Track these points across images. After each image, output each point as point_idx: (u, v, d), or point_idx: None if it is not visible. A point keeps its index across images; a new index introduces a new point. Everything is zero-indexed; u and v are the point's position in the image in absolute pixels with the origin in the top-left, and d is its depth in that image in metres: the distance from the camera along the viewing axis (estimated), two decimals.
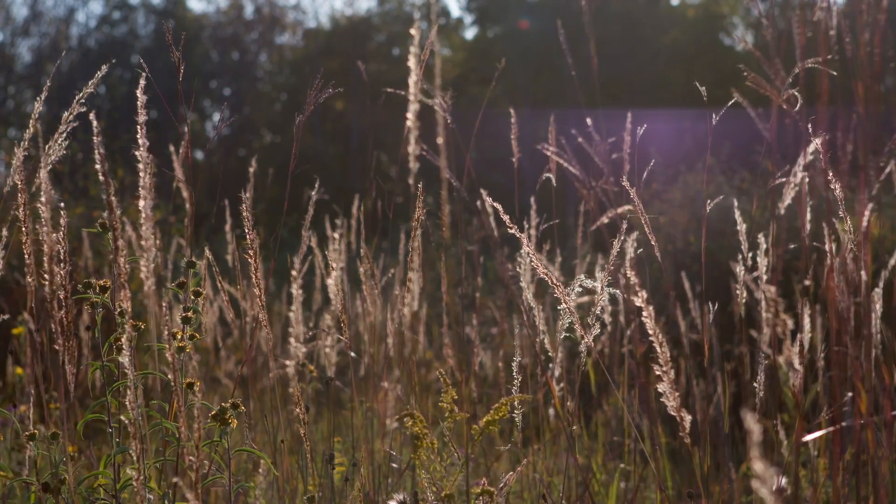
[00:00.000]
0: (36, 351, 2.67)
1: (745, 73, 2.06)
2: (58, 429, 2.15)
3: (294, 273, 2.71)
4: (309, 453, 2.03)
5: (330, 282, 2.37)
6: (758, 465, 0.85)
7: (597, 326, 1.82)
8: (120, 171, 6.86)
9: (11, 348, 3.67)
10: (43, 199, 1.66)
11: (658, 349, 1.52)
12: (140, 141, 1.42)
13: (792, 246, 3.12)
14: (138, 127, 1.46)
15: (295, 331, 2.66)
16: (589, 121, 2.99)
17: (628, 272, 1.61)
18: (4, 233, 1.81)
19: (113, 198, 1.42)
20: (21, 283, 4.51)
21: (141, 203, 1.35)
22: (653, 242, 1.87)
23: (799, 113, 1.93)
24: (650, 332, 1.52)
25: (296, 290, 2.80)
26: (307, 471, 2.26)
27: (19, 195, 1.68)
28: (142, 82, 1.53)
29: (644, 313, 1.51)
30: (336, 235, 2.72)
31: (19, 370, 3.58)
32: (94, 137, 1.44)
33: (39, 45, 30.04)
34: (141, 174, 1.44)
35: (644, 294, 1.49)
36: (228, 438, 1.66)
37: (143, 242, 1.30)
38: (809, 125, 1.95)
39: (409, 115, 1.23)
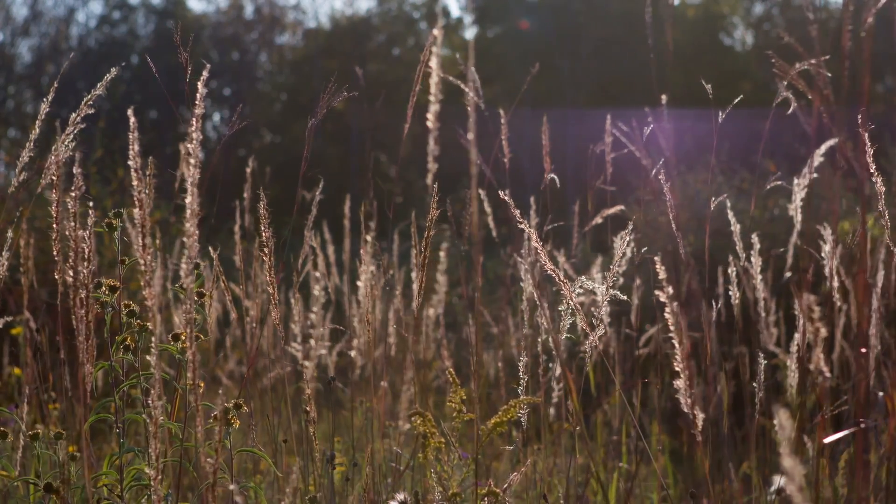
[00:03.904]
0: (37, 351, 2.67)
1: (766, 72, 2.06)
2: (57, 428, 2.15)
3: (319, 275, 2.71)
4: (319, 453, 2.03)
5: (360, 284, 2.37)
6: (787, 462, 0.85)
7: (602, 326, 1.83)
8: (120, 170, 6.86)
9: (13, 349, 3.67)
10: (73, 194, 1.66)
11: (677, 346, 1.52)
12: (194, 134, 1.42)
13: (781, 250, 3.13)
14: (193, 120, 1.46)
15: (317, 332, 2.66)
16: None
17: (658, 267, 1.61)
18: (9, 234, 1.81)
19: (144, 195, 1.42)
20: (21, 283, 4.51)
21: (188, 199, 1.36)
22: (679, 240, 1.87)
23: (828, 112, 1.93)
24: (671, 328, 1.52)
25: (318, 291, 2.80)
26: (308, 471, 2.26)
27: (54, 192, 1.68)
28: (204, 75, 1.53)
29: (667, 309, 1.50)
30: (368, 238, 2.73)
31: (17, 371, 3.58)
32: (130, 134, 1.44)
33: (39, 45, 30.03)
34: (186, 169, 1.44)
35: (669, 289, 1.49)
36: (231, 439, 1.66)
37: (185, 239, 1.30)
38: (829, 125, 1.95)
39: (430, 116, 1.24)
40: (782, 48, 2.03)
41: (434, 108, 1.27)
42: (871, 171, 1.79)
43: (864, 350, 1.87)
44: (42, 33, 30.13)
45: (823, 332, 1.12)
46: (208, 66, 1.60)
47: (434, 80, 1.27)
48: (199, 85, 1.52)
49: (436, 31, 1.28)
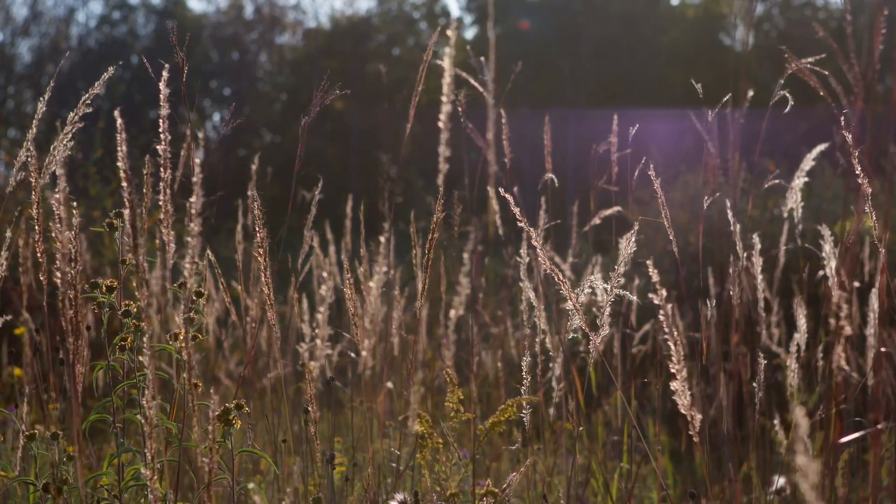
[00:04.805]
0: (36, 351, 2.67)
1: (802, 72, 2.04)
2: (57, 429, 2.15)
3: (325, 274, 2.70)
4: (318, 453, 2.03)
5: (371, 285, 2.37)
6: (801, 460, 0.84)
7: (605, 327, 1.83)
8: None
9: (12, 349, 3.67)
10: (59, 196, 1.66)
11: (673, 348, 1.52)
12: (163, 135, 1.42)
13: (784, 247, 3.13)
14: (160, 121, 1.46)
15: (321, 332, 2.66)
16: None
17: (650, 271, 1.61)
18: (8, 234, 1.81)
19: (133, 196, 1.42)
20: (21, 283, 4.51)
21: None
22: (671, 237, 1.88)
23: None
24: (667, 330, 1.52)
25: (325, 291, 2.80)
26: (308, 471, 2.26)
27: (33, 193, 1.67)
28: (165, 75, 1.53)
29: (661, 312, 1.51)
30: (382, 239, 2.74)
31: (18, 371, 3.57)
32: (118, 135, 1.44)
33: (39, 45, 30.04)
34: (164, 171, 1.44)
35: (664, 293, 1.49)
36: (231, 439, 1.66)
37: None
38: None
39: (442, 117, 1.23)
40: (780, 48, 2.03)
41: (446, 108, 1.26)
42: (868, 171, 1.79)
43: (882, 349, 1.88)
44: (42, 33, 30.14)
45: (848, 329, 1.12)
46: (167, 66, 1.59)
47: (446, 81, 1.26)
48: (162, 85, 1.52)
49: (449, 32, 1.27)
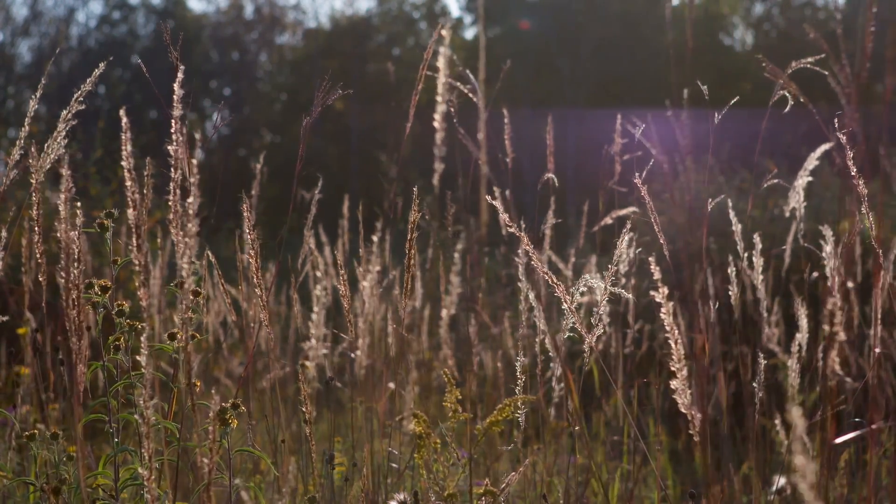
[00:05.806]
0: (36, 350, 2.67)
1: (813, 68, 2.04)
2: (57, 429, 2.14)
3: (319, 274, 2.71)
4: (317, 453, 2.03)
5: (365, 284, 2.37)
6: (799, 460, 0.84)
7: (600, 327, 1.82)
8: (120, 170, 6.86)
9: (12, 349, 3.67)
10: (63, 196, 1.65)
11: (673, 346, 1.52)
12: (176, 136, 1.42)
13: (782, 248, 3.13)
14: (173, 121, 1.46)
15: (316, 332, 2.66)
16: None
17: (652, 268, 1.61)
18: (3, 234, 1.80)
19: (138, 196, 1.42)
20: (21, 283, 4.50)
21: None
22: (662, 241, 1.88)
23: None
24: (668, 328, 1.52)
25: (319, 291, 2.80)
26: (308, 471, 2.26)
27: (34, 194, 1.67)
28: (180, 76, 1.53)
29: (663, 309, 1.50)
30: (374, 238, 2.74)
31: (24, 370, 3.57)
32: (123, 134, 1.44)
33: (39, 45, 30.04)
34: (173, 171, 1.43)
35: (665, 290, 1.49)
36: (229, 439, 1.66)
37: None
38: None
39: (437, 116, 1.24)
40: (778, 49, 2.04)
41: (441, 108, 1.26)
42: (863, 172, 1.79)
43: (880, 350, 1.88)
44: (42, 33, 30.13)
45: (843, 335, 1.12)
46: (172, 67, 1.59)
47: (441, 81, 1.26)
48: (176, 87, 1.51)
49: (444, 31, 1.27)
